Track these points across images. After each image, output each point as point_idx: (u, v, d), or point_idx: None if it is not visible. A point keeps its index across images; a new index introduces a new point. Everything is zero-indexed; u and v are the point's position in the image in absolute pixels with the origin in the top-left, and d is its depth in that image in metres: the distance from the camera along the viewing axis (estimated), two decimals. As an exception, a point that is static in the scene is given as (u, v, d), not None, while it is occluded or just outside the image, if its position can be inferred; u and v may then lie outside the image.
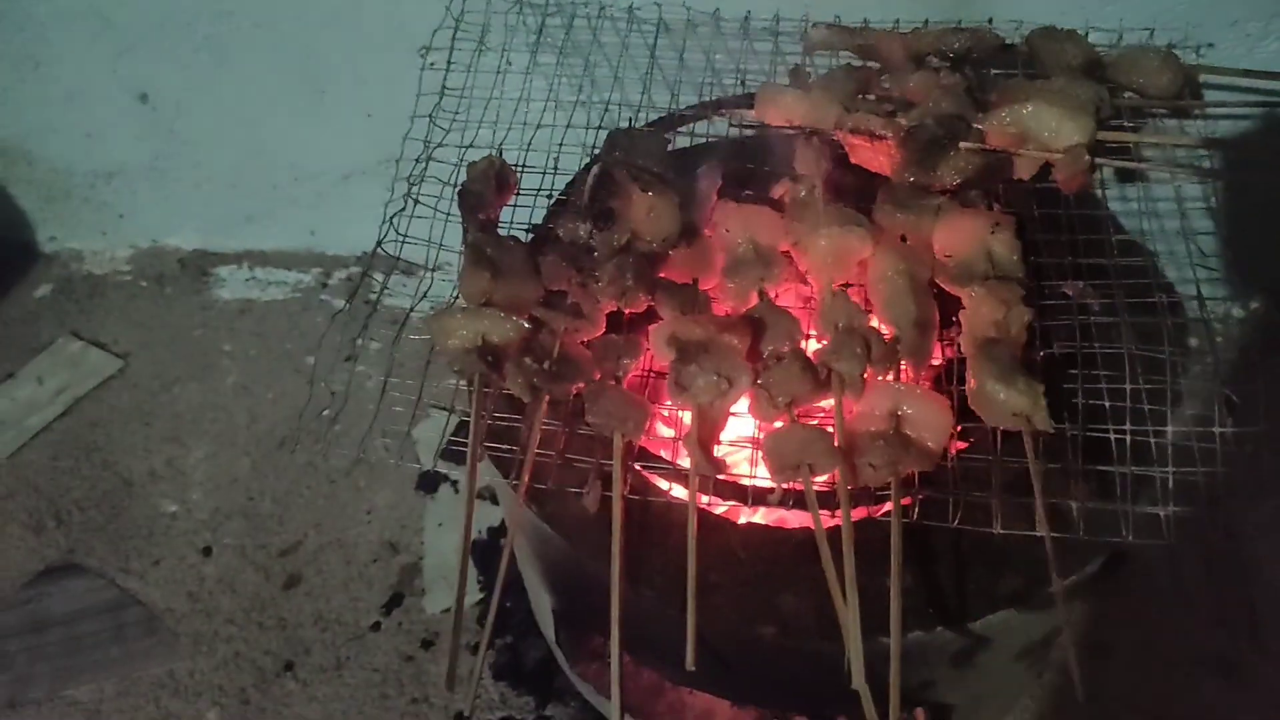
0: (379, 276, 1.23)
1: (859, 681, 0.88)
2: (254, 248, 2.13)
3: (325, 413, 1.75)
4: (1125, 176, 1.29)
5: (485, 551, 1.63)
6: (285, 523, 1.71)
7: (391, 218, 1.20)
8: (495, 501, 1.69)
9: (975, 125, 1.17)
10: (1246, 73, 1.27)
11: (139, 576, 1.65)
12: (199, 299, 2.09)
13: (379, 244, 1.18)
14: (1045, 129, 1.15)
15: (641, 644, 1.20)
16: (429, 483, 1.76)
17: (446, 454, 1.72)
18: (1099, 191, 1.23)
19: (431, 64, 1.37)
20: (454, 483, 1.75)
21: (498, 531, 1.65)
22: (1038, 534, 0.95)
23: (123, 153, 1.98)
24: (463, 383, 1.12)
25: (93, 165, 2.01)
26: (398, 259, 1.20)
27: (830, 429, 1.02)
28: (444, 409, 1.12)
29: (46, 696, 1.52)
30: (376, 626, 1.58)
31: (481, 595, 1.60)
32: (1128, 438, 1.00)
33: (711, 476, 1.03)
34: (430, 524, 1.70)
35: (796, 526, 1.08)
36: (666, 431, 1.16)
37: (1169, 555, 1.57)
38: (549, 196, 1.28)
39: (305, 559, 1.66)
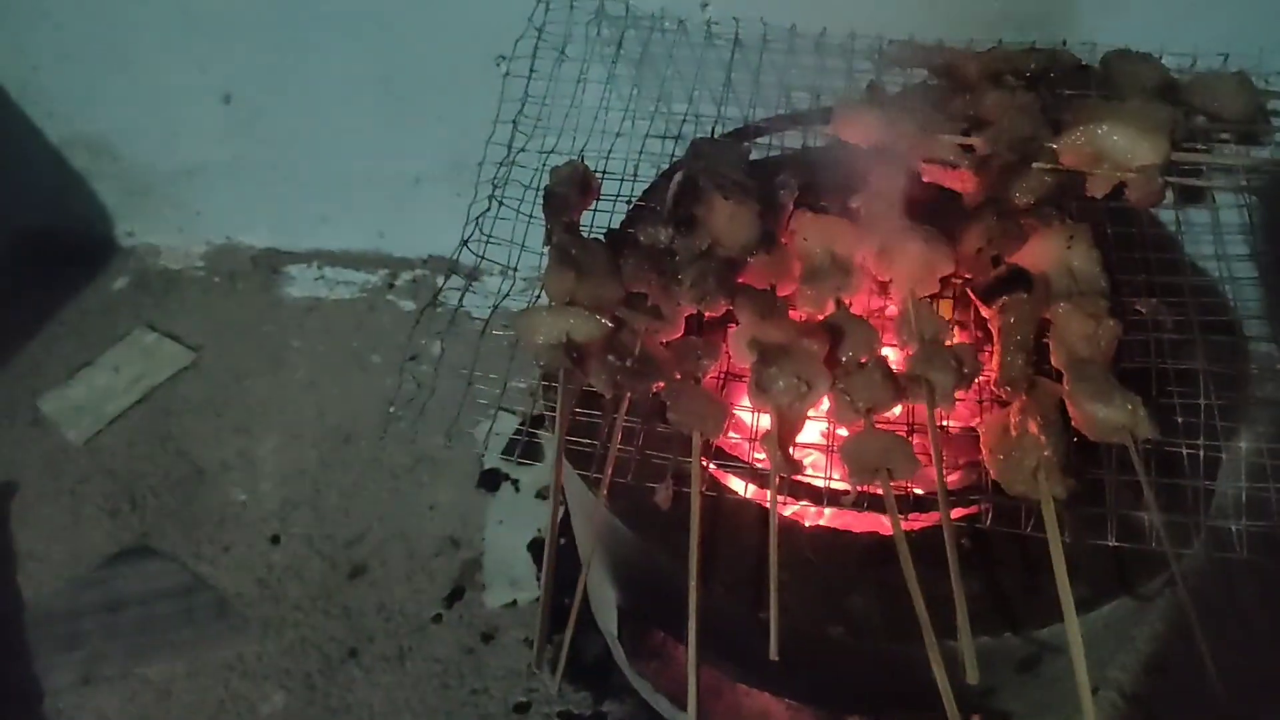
0: (452, 277, 1.26)
1: (973, 676, 0.91)
2: (324, 247, 2.19)
3: (391, 409, 1.81)
4: (1195, 198, 1.31)
5: (542, 548, 1.66)
6: (350, 515, 1.75)
7: (477, 217, 1.24)
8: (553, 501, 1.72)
9: (1049, 145, 1.20)
10: (1318, 99, 1.28)
11: (210, 562, 1.70)
12: (269, 296, 2.14)
13: (464, 242, 1.21)
14: (1120, 148, 1.17)
15: (715, 652, 1.22)
16: (490, 481, 1.79)
17: (507, 449, 1.77)
18: (1174, 212, 1.25)
19: (508, 72, 1.41)
20: (515, 481, 1.79)
21: (564, 527, 1.68)
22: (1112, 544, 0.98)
23: (203, 151, 2.04)
24: (536, 381, 1.15)
25: (174, 163, 2.07)
26: (479, 258, 1.24)
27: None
28: (508, 410, 1.15)
29: (119, 674, 1.57)
30: (438, 619, 1.61)
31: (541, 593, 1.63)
32: (1201, 452, 1.02)
33: (788, 477, 1.06)
34: (491, 521, 1.73)
35: (861, 531, 1.11)
36: (734, 436, 1.19)
37: (1225, 575, 1.58)
38: (627, 202, 1.31)
39: (369, 550, 1.70)
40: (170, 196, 2.14)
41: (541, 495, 1.73)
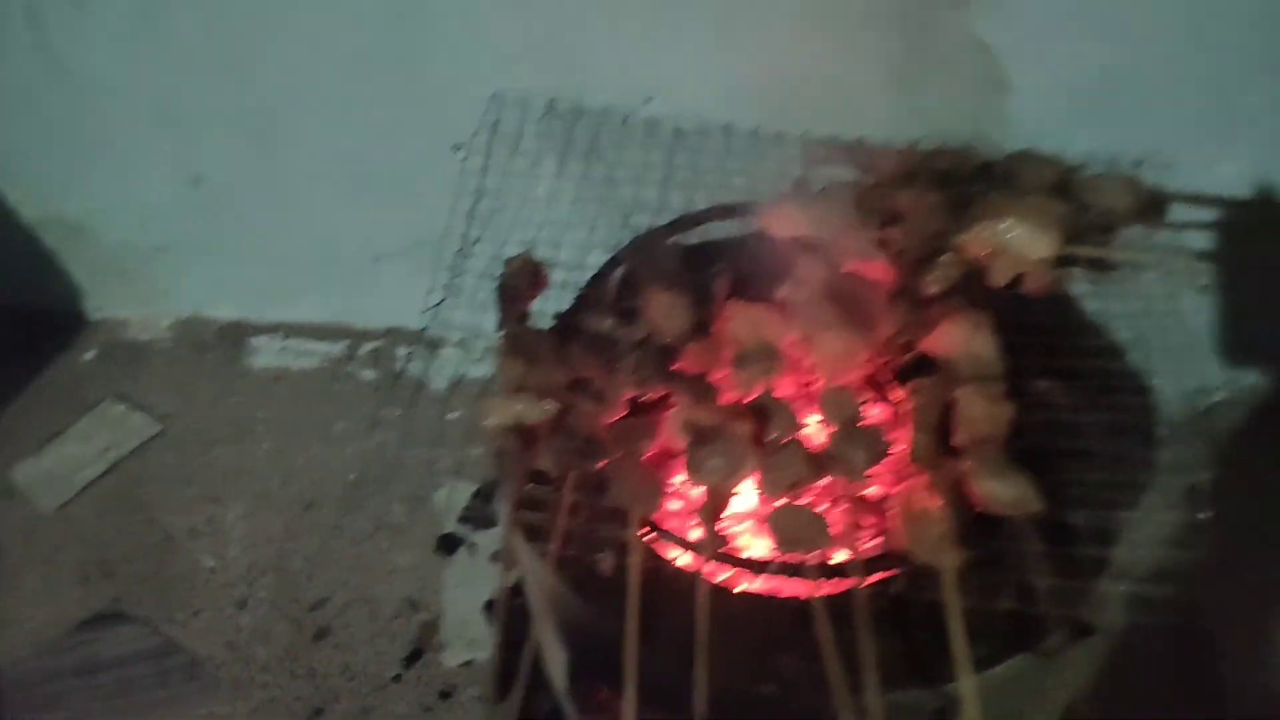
0: (406, 351, 1.35)
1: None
2: (288, 320, 2.27)
3: (352, 477, 1.90)
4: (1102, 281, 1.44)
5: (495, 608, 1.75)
6: (314, 579, 1.83)
7: (433, 306, 1.34)
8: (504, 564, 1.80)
9: (956, 238, 1.32)
10: (1195, 197, 1.42)
11: (181, 625, 1.77)
12: (236, 367, 2.23)
13: (423, 331, 1.32)
14: (1018, 242, 1.29)
15: (648, 698, 1.31)
16: (448, 545, 1.88)
17: (463, 518, 1.87)
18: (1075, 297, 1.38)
19: (464, 159, 1.52)
20: (471, 545, 1.87)
21: (514, 592, 1.77)
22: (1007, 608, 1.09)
23: (173, 230, 2.13)
24: (485, 452, 1.25)
25: (147, 241, 2.16)
26: (422, 335, 1.33)
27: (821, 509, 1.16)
28: (465, 479, 1.24)
29: (98, 735, 1.64)
30: (398, 678, 1.69)
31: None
32: (1088, 521, 1.13)
33: (719, 548, 1.16)
34: (449, 584, 1.81)
35: (791, 595, 1.21)
36: (675, 505, 1.29)
37: (1142, 634, 1.69)
38: (576, 289, 1.42)
39: (333, 613, 1.77)
40: (140, 272, 2.22)
41: (497, 559, 1.81)
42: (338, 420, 2.09)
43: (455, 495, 1.77)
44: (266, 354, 2.24)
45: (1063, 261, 1.30)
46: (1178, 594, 1.14)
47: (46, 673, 1.71)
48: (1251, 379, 1.97)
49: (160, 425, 2.10)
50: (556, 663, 1.50)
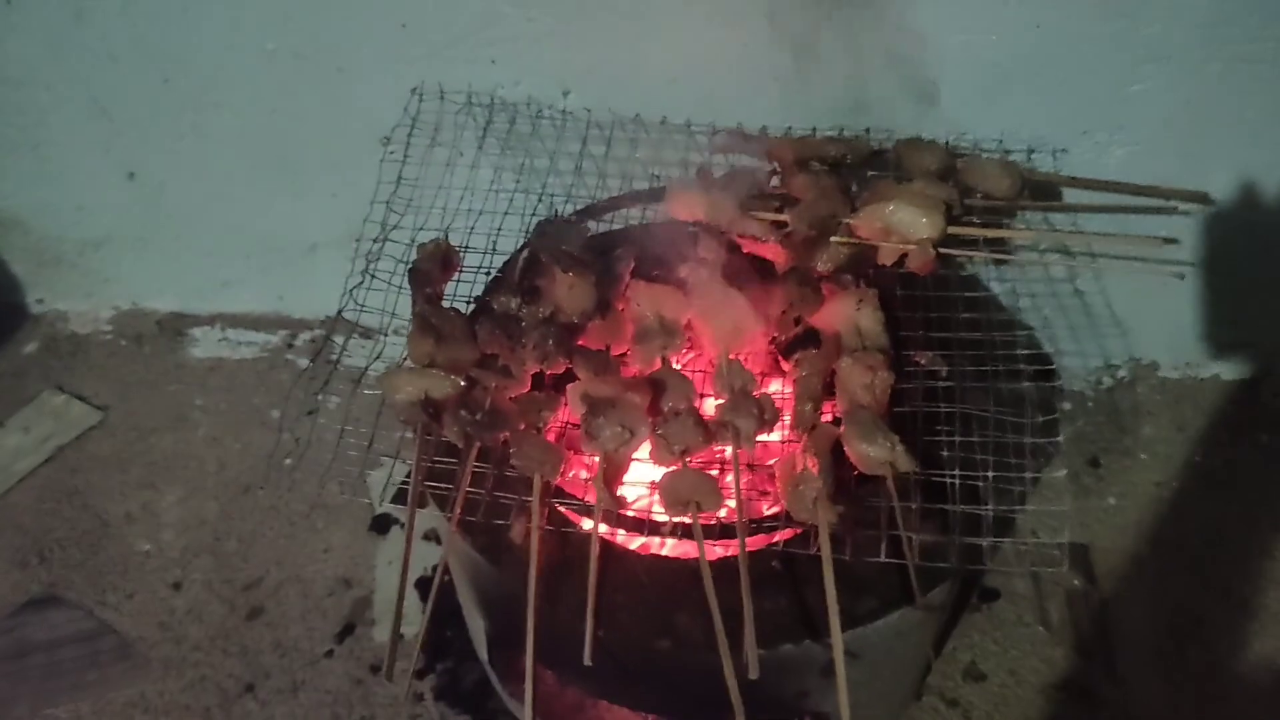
0: (340, 339, 1.41)
1: (754, 672, 1.08)
2: (226, 311, 2.31)
3: (288, 460, 1.95)
4: (999, 261, 1.52)
5: (429, 586, 1.80)
6: (249, 560, 1.88)
7: (351, 290, 1.40)
8: (440, 542, 1.86)
9: (846, 220, 1.40)
10: (1072, 180, 1.50)
11: (114, 608, 1.81)
12: (174, 357, 2.27)
13: (340, 312, 1.37)
14: (904, 223, 1.37)
15: (564, 664, 1.38)
16: (380, 525, 1.94)
17: (396, 497, 1.93)
18: (963, 275, 1.46)
19: (391, 152, 1.58)
20: (403, 524, 1.93)
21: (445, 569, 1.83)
22: (882, 560, 1.16)
23: (110, 224, 2.17)
24: (409, 433, 1.32)
25: (82, 235, 2.19)
26: (357, 325, 1.40)
27: (714, 473, 1.23)
28: (394, 458, 1.30)
29: (28, 714, 1.67)
30: (330, 653, 1.74)
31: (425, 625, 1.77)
32: (958, 481, 1.21)
33: (614, 511, 1.23)
34: (381, 562, 1.87)
35: (689, 558, 1.28)
36: (585, 475, 1.35)
37: (1037, 595, 1.78)
38: (487, 274, 1.49)
39: (267, 593, 1.82)
40: (79, 266, 2.26)
41: (428, 538, 1.87)
42: (275, 407, 2.14)
43: (390, 477, 1.81)
44: (206, 344, 2.28)
45: (948, 242, 1.39)
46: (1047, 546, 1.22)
47: (-22, 658, 1.76)
48: (1152, 356, 2.07)
49: (100, 415, 2.14)
50: (477, 631, 1.56)
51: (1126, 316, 1.95)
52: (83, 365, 2.26)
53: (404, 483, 1.74)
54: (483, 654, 1.59)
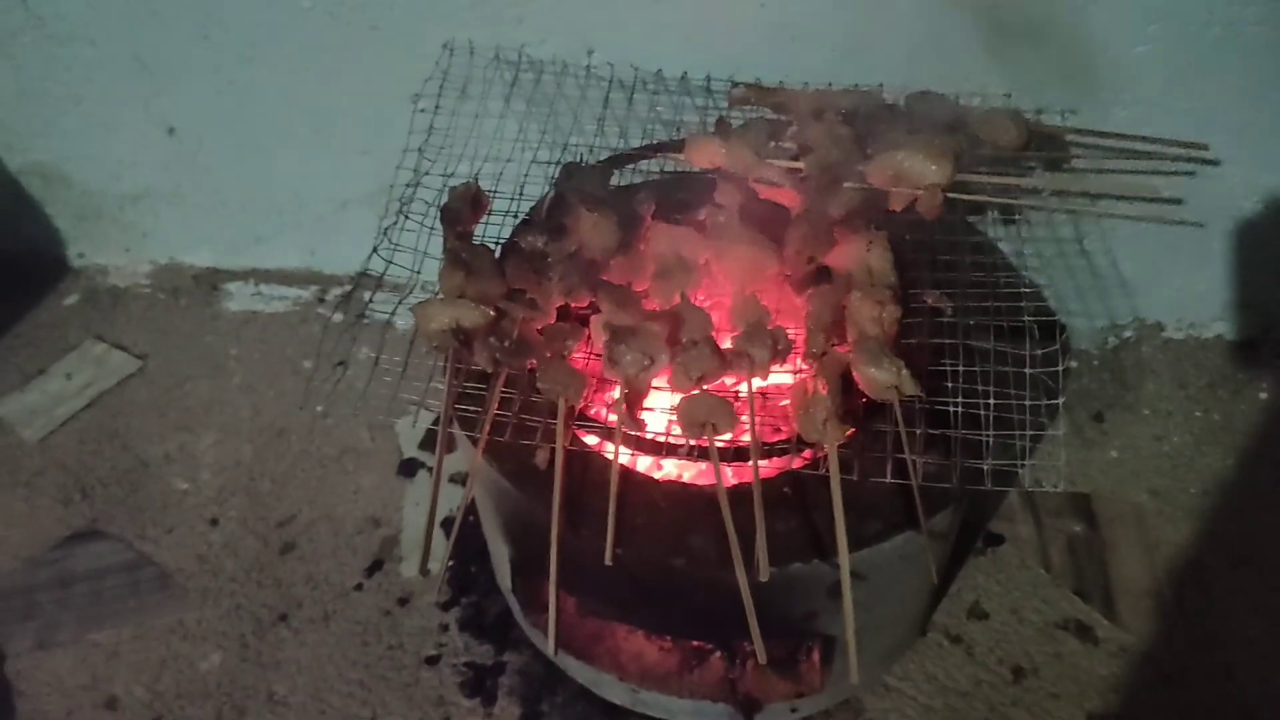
0: (369, 292, 1.48)
1: (765, 574, 1.14)
2: (260, 266, 2.39)
3: (320, 409, 2.03)
4: (1006, 208, 1.58)
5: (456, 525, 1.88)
6: (282, 499, 1.95)
7: (385, 229, 1.47)
8: (466, 485, 1.94)
9: (859, 168, 1.46)
10: (1077, 131, 1.56)
11: (154, 542, 1.89)
12: (210, 310, 2.35)
13: (375, 249, 1.44)
14: (913, 171, 1.43)
15: (584, 587, 1.45)
16: (408, 469, 2.01)
17: (424, 442, 2.00)
18: (973, 222, 1.52)
19: (421, 109, 1.65)
20: (430, 469, 2.00)
21: (470, 509, 1.90)
22: (888, 480, 1.23)
23: (149, 179, 2.25)
24: (437, 379, 1.38)
25: (122, 189, 2.27)
26: (383, 277, 1.46)
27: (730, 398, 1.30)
28: (419, 404, 1.37)
29: (72, 639, 1.75)
30: (359, 587, 1.82)
31: (452, 563, 1.85)
32: (960, 409, 1.27)
33: (635, 434, 1.30)
34: (409, 503, 1.95)
35: (705, 484, 1.35)
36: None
37: (1040, 540, 1.85)
38: (515, 217, 1.56)
39: (299, 530, 1.90)
40: (118, 220, 2.34)
41: (454, 480, 1.94)
42: (306, 357, 2.22)
43: (417, 423, 1.89)
44: (240, 298, 2.37)
45: (956, 188, 1.45)
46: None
47: (25, 586, 1.83)
48: (1157, 317, 2.13)
49: (138, 363, 2.23)
50: (500, 560, 1.64)
51: (1133, 278, 2.01)
52: (122, 317, 2.35)
53: (433, 426, 1.81)
54: (505, 583, 1.66)
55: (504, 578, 1.66)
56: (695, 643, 1.51)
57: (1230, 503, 1.87)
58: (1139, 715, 1.62)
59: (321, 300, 2.35)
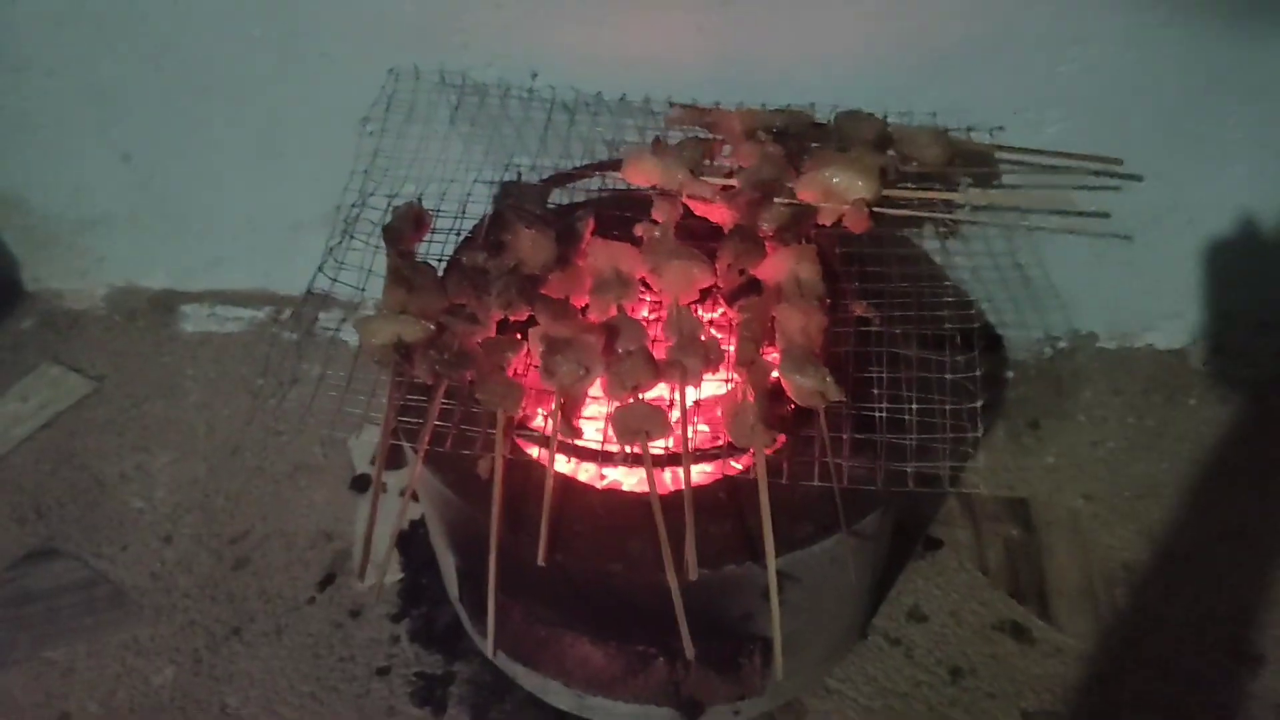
0: (317, 311, 1.51)
1: (694, 574, 1.19)
2: (215, 288, 2.41)
3: (274, 426, 2.06)
4: (935, 222, 1.64)
5: (407, 539, 1.91)
6: (236, 516, 1.98)
7: (331, 248, 1.51)
8: (417, 499, 1.97)
9: (789, 185, 1.52)
10: (999, 148, 1.63)
11: (109, 560, 1.91)
12: (166, 331, 2.37)
13: (320, 268, 1.49)
14: (841, 187, 1.49)
15: (528, 597, 1.49)
16: (360, 484, 2.04)
17: (375, 460, 2.02)
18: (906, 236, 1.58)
19: (370, 131, 1.70)
20: (383, 484, 2.03)
21: (420, 523, 1.93)
22: (815, 484, 1.28)
23: (105, 205, 2.27)
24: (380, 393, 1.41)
25: (79, 215, 2.29)
26: (328, 295, 1.49)
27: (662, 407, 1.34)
28: (363, 416, 1.40)
29: (26, 657, 1.77)
30: (312, 600, 1.85)
31: (403, 575, 1.88)
32: (885, 414, 1.33)
33: (570, 441, 1.34)
34: (360, 518, 1.97)
35: (642, 492, 1.39)
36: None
37: (978, 544, 1.90)
38: (459, 235, 1.60)
39: (252, 545, 1.93)
40: (75, 245, 2.36)
41: (402, 494, 1.97)
42: (261, 376, 2.24)
43: (361, 437, 1.92)
44: (195, 320, 2.39)
45: (883, 203, 1.51)
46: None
47: (-21, 606, 1.86)
48: (1091, 327, 2.19)
49: (95, 384, 2.25)
50: (448, 570, 1.67)
51: (1066, 290, 2.07)
52: (78, 339, 2.37)
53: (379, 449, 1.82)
54: (453, 593, 1.69)
55: (452, 587, 1.69)
56: (638, 647, 1.55)
57: (1162, 504, 1.93)
58: (1073, 713, 1.67)
59: (275, 320, 2.38)
